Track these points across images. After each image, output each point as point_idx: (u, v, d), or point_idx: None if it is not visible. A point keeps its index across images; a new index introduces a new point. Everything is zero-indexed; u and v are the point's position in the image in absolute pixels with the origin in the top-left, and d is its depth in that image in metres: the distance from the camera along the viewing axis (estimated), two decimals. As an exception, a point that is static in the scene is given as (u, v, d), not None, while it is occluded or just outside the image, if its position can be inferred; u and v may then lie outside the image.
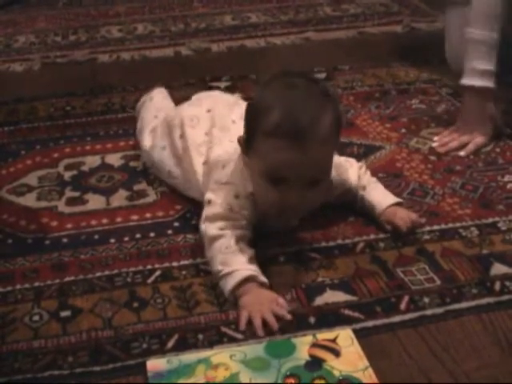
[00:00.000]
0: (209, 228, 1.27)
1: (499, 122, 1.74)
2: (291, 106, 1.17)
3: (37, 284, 1.26)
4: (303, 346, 1.08)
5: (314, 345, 1.08)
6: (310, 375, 1.03)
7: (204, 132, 1.46)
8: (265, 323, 1.14)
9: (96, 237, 1.40)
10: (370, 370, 1.03)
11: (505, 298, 1.20)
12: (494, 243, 1.34)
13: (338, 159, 1.36)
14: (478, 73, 1.66)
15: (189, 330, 1.14)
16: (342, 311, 1.17)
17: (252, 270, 1.20)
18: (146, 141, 1.61)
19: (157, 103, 1.76)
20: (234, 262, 1.21)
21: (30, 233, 1.42)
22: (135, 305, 1.20)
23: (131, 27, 2.72)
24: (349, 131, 1.76)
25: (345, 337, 1.10)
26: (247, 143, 1.25)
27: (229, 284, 1.19)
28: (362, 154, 1.66)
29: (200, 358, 1.07)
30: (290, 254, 1.32)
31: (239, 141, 1.28)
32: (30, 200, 1.54)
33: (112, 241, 1.38)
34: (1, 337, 1.14)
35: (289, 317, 1.15)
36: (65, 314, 1.19)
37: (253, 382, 1.02)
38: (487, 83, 1.66)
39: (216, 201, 1.29)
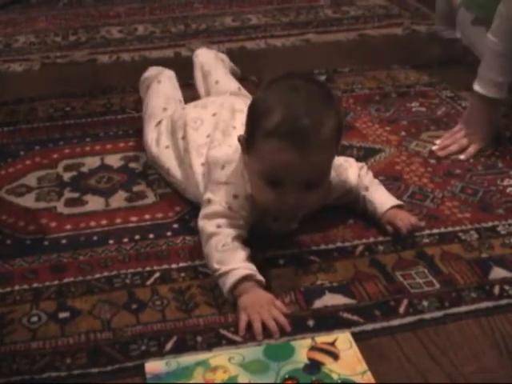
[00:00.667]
0: (207, 225, 1.27)
1: (500, 126, 1.74)
2: (293, 107, 1.17)
3: (35, 285, 1.26)
4: (302, 349, 1.08)
5: (313, 348, 1.08)
6: (309, 378, 1.03)
7: (206, 134, 1.46)
8: (264, 327, 1.14)
9: (95, 238, 1.40)
10: (369, 374, 1.03)
11: (504, 302, 1.20)
12: (493, 247, 1.34)
13: (337, 160, 1.35)
14: (490, 83, 1.65)
15: (187, 332, 1.14)
16: (341, 314, 1.17)
17: (249, 268, 1.20)
18: (151, 134, 1.62)
19: (166, 91, 1.76)
20: (231, 261, 1.21)
21: (28, 234, 1.42)
22: (134, 306, 1.20)
23: (131, 28, 2.72)
24: (348, 134, 1.76)
25: (343, 340, 1.10)
26: (247, 143, 1.25)
27: (227, 283, 1.19)
28: (361, 156, 1.65)
29: (198, 360, 1.07)
30: (289, 257, 1.32)
31: (239, 140, 1.28)
32: (29, 201, 1.53)
33: (111, 242, 1.38)
34: (-1, 338, 1.14)
35: (288, 329, 1.14)
36: (63, 315, 1.19)
37: (251, 384, 1.02)
38: (498, 94, 1.66)
39: (215, 199, 1.29)
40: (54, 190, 1.57)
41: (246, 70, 2.13)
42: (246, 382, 1.02)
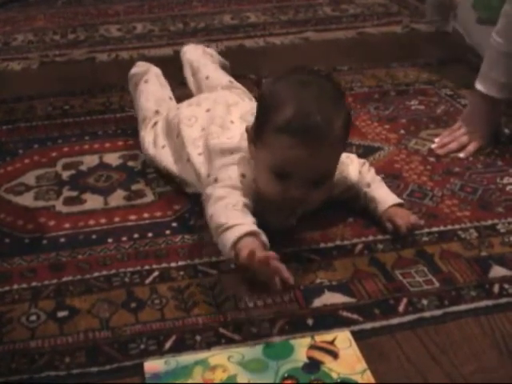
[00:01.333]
0: (216, 190, 1.27)
1: (500, 124, 1.74)
2: (305, 104, 1.18)
3: (34, 284, 1.26)
4: (301, 347, 1.08)
5: (312, 347, 1.08)
6: (308, 377, 1.02)
7: (201, 128, 1.47)
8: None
9: (94, 237, 1.39)
10: (368, 373, 1.03)
11: (503, 300, 1.20)
12: (492, 245, 1.34)
13: None
14: (492, 83, 1.65)
15: (186, 331, 1.14)
16: (341, 313, 1.17)
17: (256, 228, 1.20)
18: (147, 137, 1.62)
19: (155, 92, 1.76)
20: (241, 218, 1.21)
21: (27, 232, 1.41)
22: (133, 305, 1.20)
23: (130, 26, 2.72)
24: (348, 132, 1.76)
25: (343, 339, 1.10)
26: (256, 135, 1.26)
27: (232, 236, 1.18)
28: (360, 154, 1.64)
29: (197, 359, 1.07)
30: (288, 255, 1.31)
31: (247, 130, 1.29)
32: (27, 199, 1.53)
33: (110, 241, 1.38)
34: (-3, 337, 1.14)
35: (292, 281, 1.14)
36: (62, 314, 1.18)
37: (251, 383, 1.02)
38: (500, 95, 1.65)
39: (223, 176, 1.29)
40: (53, 188, 1.57)
41: (245, 69, 2.13)
42: (245, 381, 1.02)
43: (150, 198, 1.52)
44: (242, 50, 2.44)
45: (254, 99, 1.68)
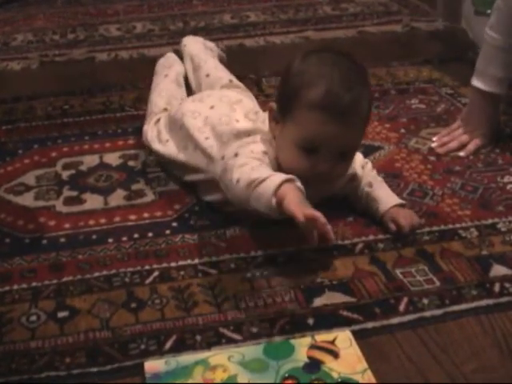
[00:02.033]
0: (238, 159, 1.28)
1: (500, 123, 1.74)
2: (336, 81, 1.24)
3: (34, 284, 1.26)
4: (302, 347, 1.08)
5: (313, 346, 1.08)
6: (309, 377, 1.02)
7: (205, 118, 1.48)
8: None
9: (94, 237, 1.39)
10: (369, 372, 1.03)
11: (504, 299, 1.19)
12: (493, 244, 1.33)
13: None
14: (489, 78, 1.65)
15: (187, 331, 1.14)
16: (341, 312, 1.17)
17: (292, 176, 1.21)
18: (150, 131, 1.62)
19: (170, 89, 1.77)
20: (272, 171, 1.24)
21: (27, 232, 1.41)
22: (133, 305, 1.20)
23: (130, 26, 2.71)
24: (348, 131, 1.76)
25: (343, 338, 1.10)
26: (283, 111, 1.29)
27: (271, 184, 1.18)
28: (361, 154, 1.65)
29: (198, 359, 1.06)
30: (288, 255, 1.31)
31: (270, 109, 1.33)
32: (27, 199, 1.53)
33: (110, 241, 1.37)
34: (-2, 337, 1.14)
35: (332, 243, 1.24)
36: (62, 314, 1.18)
37: (251, 383, 1.01)
38: (498, 90, 1.66)
39: (244, 151, 1.30)
40: (53, 188, 1.57)
41: (245, 68, 2.13)
42: (246, 380, 1.02)
43: (150, 197, 1.52)
44: (242, 49, 2.43)
45: (254, 98, 1.69)
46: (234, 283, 1.24)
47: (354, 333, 1.11)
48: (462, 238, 1.35)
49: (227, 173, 1.29)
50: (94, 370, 1.07)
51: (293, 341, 1.10)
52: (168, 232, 1.40)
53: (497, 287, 1.22)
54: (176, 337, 1.12)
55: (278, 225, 1.33)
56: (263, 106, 1.58)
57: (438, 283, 1.23)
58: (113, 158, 1.69)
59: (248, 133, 1.38)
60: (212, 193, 1.43)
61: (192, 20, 2.75)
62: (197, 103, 1.57)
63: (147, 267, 1.29)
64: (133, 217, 1.45)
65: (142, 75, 2.10)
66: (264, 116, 1.44)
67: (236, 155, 1.30)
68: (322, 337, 1.10)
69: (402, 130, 1.79)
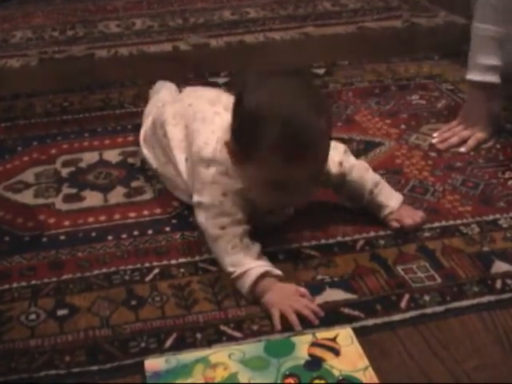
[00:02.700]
0: (209, 227, 1.26)
1: (501, 118, 1.73)
2: (290, 115, 1.14)
3: (34, 282, 1.25)
4: (303, 345, 1.07)
5: (314, 344, 1.08)
6: (310, 375, 1.02)
7: (185, 126, 1.44)
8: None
9: (93, 234, 1.39)
10: (370, 370, 1.02)
11: (506, 296, 1.19)
12: (495, 240, 1.33)
13: None
14: (482, 68, 1.65)
15: (187, 329, 1.13)
16: (342, 310, 1.16)
17: (264, 265, 1.20)
18: (141, 135, 1.61)
19: (163, 97, 1.75)
20: (245, 262, 1.21)
21: (26, 230, 1.41)
22: (133, 303, 1.19)
23: (129, 22, 2.71)
24: (348, 127, 1.75)
25: (345, 336, 1.09)
26: (242, 151, 1.21)
27: (245, 284, 1.19)
28: (361, 150, 1.65)
29: (198, 357, 1.06)
30: (289, 252, 1.31)
31: (227, 144, 1.25)
32: (27, 197, 1.52)
33: (110, 238, 1.37)
34: (-3, 336, 1.13)
35: (322, 313, 1.15)
36: (62, 312, 1.18)
37: (252, 381, 1.01)
38: (491, 79, 1.65)
39: (205, 201, 1.27)
40: (52, 185, 1.56)
41: (245, 64, 2.12)
42: (247, 378, 1.01)
43: (149, 194, 1.52)
44: (241, 45, 2.43)
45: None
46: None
47: (355, 330, 1.11)
48: (464, 235, 1.35)
49: (202, 229, 1.28)
50: (94, 368, 1.07)
51: (293, 338, 1.09)
52: (168, 229, 1.39)
53: (498, 284, 1.21)
54: (176, 335, 1.12)
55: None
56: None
57: (439, 280, 1.23)
58: (112, 155, 1.68)
59: (207, 162, 1.29)
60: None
61: (191, 16, 2.74)
62: (177, 104, 1.54)
63: (147, 265, 1.29)
64: (132, 214, 1.45)
65: (142, 72, 2.10)
66: None
67: (200, 205, 1.27)
68: (323, 334, 1.10)
69: (403, 126, 1.78)
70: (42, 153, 1.70)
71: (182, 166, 1.40)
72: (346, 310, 1.16)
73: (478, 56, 1.66)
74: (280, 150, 1.15)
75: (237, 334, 1.12)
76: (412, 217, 1.35)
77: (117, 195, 1.52)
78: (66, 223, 1.42)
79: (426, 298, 1.18)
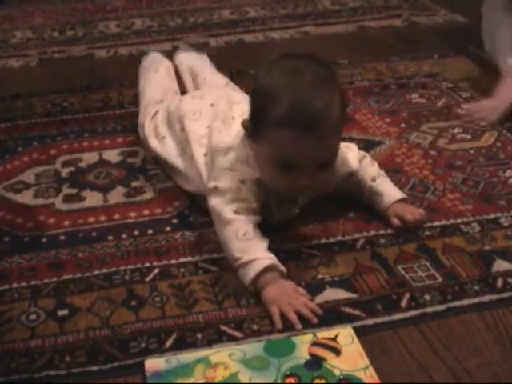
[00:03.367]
0: (224, 211, 1.25)
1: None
2: (301, 93, 1.16)
3: (34, 282, 1.25)
4: (303, 344, 1.07)
5: (314, 343, 1.07)
6: (310, 374, 1.02)
7: (206, 125, 1.45)
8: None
9: (94, 234, 1.38)
10: (371, 369, 1.02)
11: (507, 294, 1.19)
12: (495, 239, 1.33)
13: None
14: None
15: (187, 329, 1.13)
16: (343, 309, 1.16)
17: (271, 258, 1.20)
18: (147, 126, 1.61)
19: (162, 83, 1.76)
20: (254, 250, 1.20)
21: (26, 230, 1.41)
22: (133, 303, 1.19)
23: (129, 22, 2.71)
24: (348, 126, 1.75)
25: (345, 335, 1.09)
26: (254, 130, 1.24)
27: (249, 274, 1.18)
28: (361, 149, 1.62)
29: (199, 357, 1.06)
30: (289, 251, 1.30)
31: (244, 125, 1.27)
32: (26, 197, 1.52)
33: (110, 238, 1.37)
34: (-3, 336, 1.13)
35: (320, 312, 1.15)
36: (62, 312, 1.18)
37: (252, 381, 1.01)
38: None
39: (223, 186, 1.27)
40: (52, 186, 1.56)
41: (245, 64, 2.12)
42: (247, 378, 1.01)
43: (149, 194, 1.51)
44: (241, 44, 2.43)
45: None
46: (235, 280, 1.22)
47: (356, 329, 1.11)
48: (464, 233, 1.34)
49: (213, 215, 1.28)
50: (95, 368, 1.06)
51: (294, 338, 1.09)
52: (168, 229, 1.39)
53: (499, 282, 1.21)
54: (176, 335, 1.12)
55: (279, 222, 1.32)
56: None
57: (440, 279, 1.22)
58: (112, 155, 1.68)
59: (225, 150, 1.32)
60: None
61: (191, 16, 2.74)
62: (197, 100, 1.55)
63: (147, 265, 1.29)
64: (133, 214, 1.45)
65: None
66: None
67: (216, 189, 1.28)
68: (324, 334, 1.10)
69: (403, 125, 1.78)
70: (42, 153, 1.70)
71: (201, 158, 1.41)
72: (347, 310, 1.16)
73: None
74: (288, 124, 1.16)
75: (237, 334, 1.12)
76: (413, 213, 1.35)
77: (117, 195, 1.52)
78: (66, 223, 1.42)
79: (427, 297, 1.18)
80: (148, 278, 1.25)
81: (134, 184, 1.56)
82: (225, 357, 1.05)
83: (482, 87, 1.93)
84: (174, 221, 1.42)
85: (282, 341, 1.09)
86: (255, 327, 1.13)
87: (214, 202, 1.28)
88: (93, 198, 1.51)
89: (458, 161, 1.60)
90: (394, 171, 1.55)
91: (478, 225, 1.37)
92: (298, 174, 1.20)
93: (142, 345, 1.10)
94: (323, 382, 1.00)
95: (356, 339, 1.08)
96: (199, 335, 1.12)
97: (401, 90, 1.99)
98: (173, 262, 1.29)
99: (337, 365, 1.03)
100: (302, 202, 1.36)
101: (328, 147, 1.21)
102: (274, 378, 1.01)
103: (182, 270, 1.27)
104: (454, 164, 1.59)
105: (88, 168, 1.63)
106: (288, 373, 1.02)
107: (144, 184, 1.55)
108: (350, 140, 1.68)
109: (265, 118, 1.19)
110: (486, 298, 1.18)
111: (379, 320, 1.14)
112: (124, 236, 1.37)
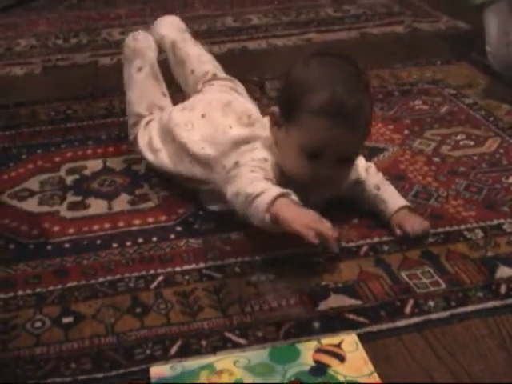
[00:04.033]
0: (243, 169, 1.28)
1: None
2: (339, 86, 1.24)
3: (39, 290, 1.25)
4: (307, 351, 1.07)
5: (319, 350, 1.08)
6: (315, 381, 1.02)
7: (200, 134, 1.46)
8: None
9: (98, 242, 1.39)
10: (375, 375, 1.03)
11: (510, 301, 1.19)
12: (499, 245, 1.33)
13: None
14: None
15: (192, 336, 1.13)
16: (347, 316, 1.16)
17: (285, 190, 1.22)
18: (141, 139, 1.60)
19: (148, 90, 1.69)
20: (268, 185, 1.24)
21: (31, 238, 1.41)
22: (138, 310, 1.19)
23: (132, 30, 2.70)
24: (351, 133, 1.75)
25: (349, 342, 1.09)
26: (286, 116, 1.29)
27: (264, 200, 1.19)
28: (365, 156, 1.63)
29: (203, 364, 1.06)
30: (293, 257, 1.31)
31: (272, 113, 1.32)
32: (31, 205, 1.53)
33: (114, 245, 1.37)
34: (2, 343, 1.13)
35: (336, 234, 1.22)
36: (67, 320, 1.18)
37: (257, 388, 1.01)
38: None
39: (245, 159, 1.31)
40: (57, 193, 1.57)
41: (248, 71, 2.12)
42: (252, 385, 1.02)
43: (154, 202, 1.52)
44: (244, 52, 2.43)
45: (242, 87, 1.72)
46: (239, 287, 1.23)
47: (360, 336, 1.11)
48: (468, 240, 1.35)
49: (228, 185, 1.30)
50: (100, 375, 1.07)
51: (298, 344, 1.09)
52: (172, 236, 1.39)
53: (503, 288, 1.22)
54: (181, 341, 1.12)
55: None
56: (266, 108, 1.56)
57: (443, 285, 1.23)
58: (116, 163, 1.69)
59: (246, 140, 1.36)
60: (215, 203, 1.43)
61: (194, 23, 2.74)
62: (187, 113, 1.54)
63: (152, 272, 1.29)
64: (137, 221, 1.45)
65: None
66: (258, 117, 1.46)
67: (236, 164, 1.31)
68: (328, 340, 1.10)
69: (406, 132, 1.78)
70: (46, 160, 1.71)
71: (201, 153, 1.42)
72: (351, 316, 1.16)
73: None
74: (326, 113, 1.23)
75: (242, 341, 1.12)
76: (414, 225, 1.35)
77: (121, 203, 1.52)
78: (71, 231, 1.43)
79: (431, 303, 1.18)
80: (153, 286, 1.25)
81: (139, 191, 1.56)
82: (229, 364, 1.06)
83: (485, 93, 1.94)
84: (179, 228, 1.42)
85: (287, 347, 1.09)
86: (260, 334, 1.13)
87: (233, 173, 1.30)
88: (97, 206, 1.51)
89: (461, 167, 1.61)
90: (397, 178, 1.55)
91: (481, 231, 1.37)
92: (322, 165, 1.27)
93: (147, 352, 1.10)
94: (328, 388, 1.01)
95: (360, 346, 1.08)
96: (204, 342, 1.12)
97: (404, 96, 1.99)
98: (177, 269, 1.30)
99: (341, 371, 1.03)
100: (315, 202, 1.35)
101: (356, 142, 1.30)
102: (278, 384, 1.02)
103: (187, 277, 1.27)
104: (457, 170, 1.59)
105: (92, 175, 1.64)
106: (293, 379, 1.02)
107: (148, 191, 1.56)
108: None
109: (302, 106, 1.26)
110: (490, 304, 1.18)
111: (383, 326, 1.14)
112: (128, 243, 1.38)
